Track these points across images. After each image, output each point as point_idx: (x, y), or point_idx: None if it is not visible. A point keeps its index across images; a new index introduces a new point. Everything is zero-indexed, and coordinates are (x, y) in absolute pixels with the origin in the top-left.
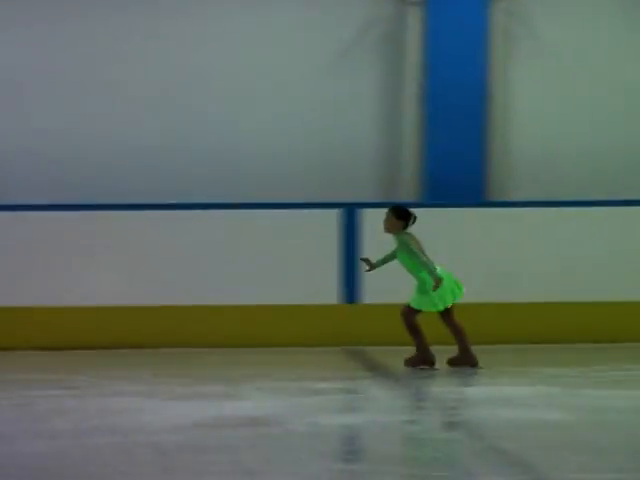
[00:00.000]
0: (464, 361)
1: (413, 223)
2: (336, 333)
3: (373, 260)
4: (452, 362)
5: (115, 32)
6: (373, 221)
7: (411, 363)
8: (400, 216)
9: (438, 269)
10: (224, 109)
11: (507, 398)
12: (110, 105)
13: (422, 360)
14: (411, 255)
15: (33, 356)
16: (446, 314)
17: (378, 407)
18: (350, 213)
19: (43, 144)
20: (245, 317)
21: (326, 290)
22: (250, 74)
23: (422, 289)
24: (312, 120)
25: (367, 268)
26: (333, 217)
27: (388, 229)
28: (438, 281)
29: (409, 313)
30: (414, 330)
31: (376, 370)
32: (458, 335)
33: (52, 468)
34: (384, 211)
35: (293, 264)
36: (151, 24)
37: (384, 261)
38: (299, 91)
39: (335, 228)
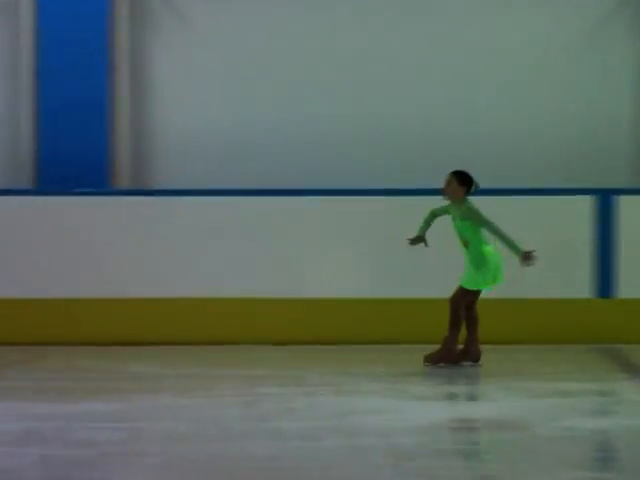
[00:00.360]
0: (462, 357)
1: (475, 190)
2: (589, 330)
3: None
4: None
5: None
6: (631, 209)
7: (432, 359)
8: (464, 181)
9: (491, 247)
10: (465, 91)
11: None
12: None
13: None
14: (475, 225)
15: (259, 350)
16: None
17: (635, 411)
18: (605, 200)
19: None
20: (485, 311)
21: (578, 283)
22: (499, 55)
23: (477, 263)
24: (564, 101)
25: (425, 244)
26: (587, 205)
27: (448, 195)
28: (526, 253)
29: (460, 298)
30: (456, 321)
31: (633, 370)
32: (472, 326)
33: (287, 470)
34: None
35: (542, 255)
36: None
37: (426, 227)
38: (550, 72)
39: (588, 216)
